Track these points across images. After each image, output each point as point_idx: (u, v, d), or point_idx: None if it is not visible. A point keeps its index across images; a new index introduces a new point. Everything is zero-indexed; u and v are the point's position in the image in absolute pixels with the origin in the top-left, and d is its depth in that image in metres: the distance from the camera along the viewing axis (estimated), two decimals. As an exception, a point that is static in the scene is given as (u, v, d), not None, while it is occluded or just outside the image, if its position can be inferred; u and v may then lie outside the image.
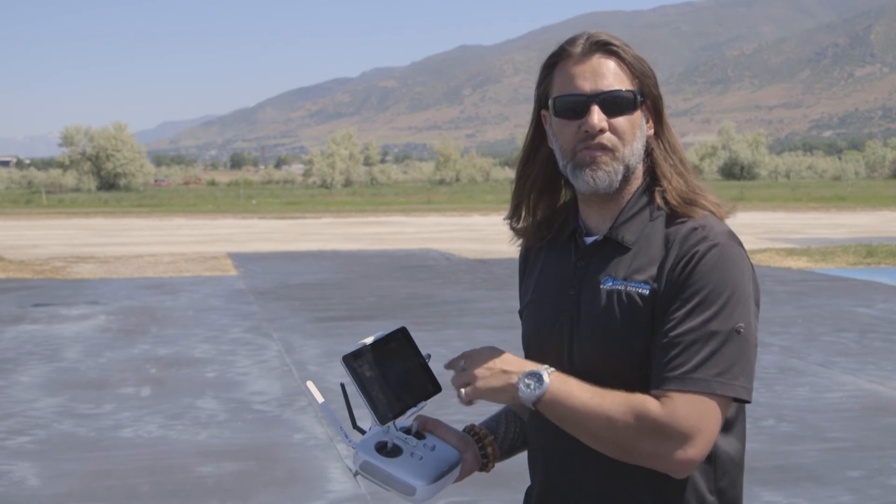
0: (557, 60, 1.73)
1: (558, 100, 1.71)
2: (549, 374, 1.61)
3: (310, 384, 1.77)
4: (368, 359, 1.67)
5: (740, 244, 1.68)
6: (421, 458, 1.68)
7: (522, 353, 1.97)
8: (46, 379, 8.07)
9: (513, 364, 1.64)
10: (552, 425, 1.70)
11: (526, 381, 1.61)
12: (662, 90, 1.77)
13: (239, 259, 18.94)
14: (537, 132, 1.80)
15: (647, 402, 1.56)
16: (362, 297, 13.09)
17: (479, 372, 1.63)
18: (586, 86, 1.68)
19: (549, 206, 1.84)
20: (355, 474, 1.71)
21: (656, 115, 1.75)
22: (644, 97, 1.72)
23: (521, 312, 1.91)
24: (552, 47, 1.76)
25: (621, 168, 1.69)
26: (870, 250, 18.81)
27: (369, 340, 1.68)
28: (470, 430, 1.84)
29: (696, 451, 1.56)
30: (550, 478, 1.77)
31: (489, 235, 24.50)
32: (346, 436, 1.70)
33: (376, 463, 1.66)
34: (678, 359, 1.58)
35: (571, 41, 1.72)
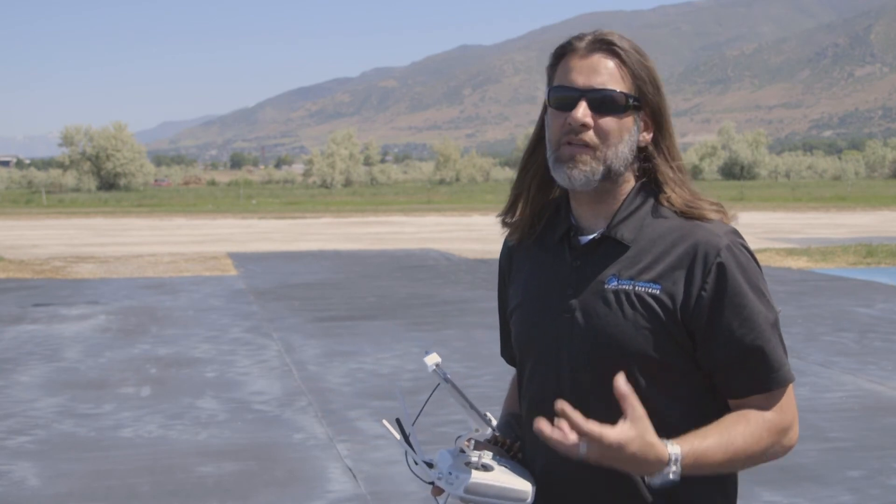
0: (564, 53, 1.75)
1: (552, 91, 1.73)
2: (677, 464, 1.57)
3: (386, 423, 1.75)
4: (450, 374, 1.66)
5: (741, 235, 1.74)
6: (507, 468, 1.70)
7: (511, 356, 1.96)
8: (46, 379, 8.08)
9: (643, 453, 1.54)
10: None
11: (659, 475, 1.57)
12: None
13: (239, 259, 18.94)
14: (542, 124, 1.81)
15: (764, 417, 1.66)
16: (362, 297, 13.09)
17: (606, 456, 1.53)
18: (580, 80, 1.70)
19: (543, 199, 1.84)
20: (441, 497, 1.70)
21: (656, 124, 1.75)
22: (640, 103, 1.72)
23: (508, 315, 1.89)
24: (552, 47, 1.78)
25: (601, 168, 1.69)
26: (870, 250, 18.81)
27: (438, 360, 1.64)
28: (495, 440, 1.84)
29: (797, 430, 1.72)
30: (552, 468, 1.75)
31: (489, 235, 24.47)
32: (427, 467, 1.68)
33: (485, 481, 1.65)
34: (758, 365, 1.67)
35: (580, 36, 1.75)
